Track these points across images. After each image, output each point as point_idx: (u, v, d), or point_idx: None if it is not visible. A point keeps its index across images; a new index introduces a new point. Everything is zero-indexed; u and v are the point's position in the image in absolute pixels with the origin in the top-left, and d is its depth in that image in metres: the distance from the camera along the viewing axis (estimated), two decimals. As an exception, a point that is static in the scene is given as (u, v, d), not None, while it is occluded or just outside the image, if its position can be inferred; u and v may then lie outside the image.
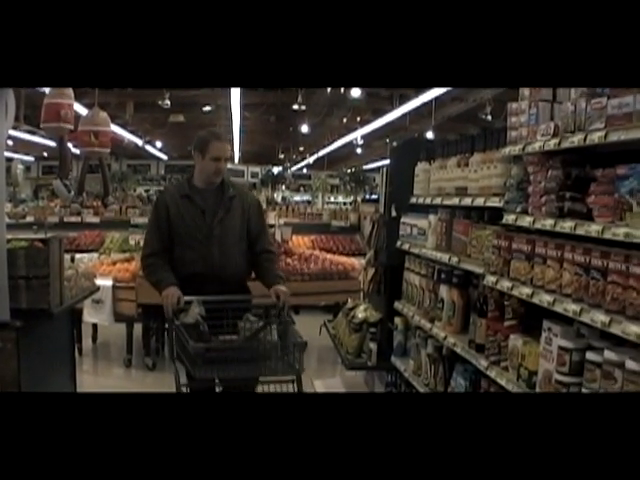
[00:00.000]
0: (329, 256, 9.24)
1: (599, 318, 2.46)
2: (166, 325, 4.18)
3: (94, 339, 8.28)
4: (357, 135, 17.06)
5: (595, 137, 2.52)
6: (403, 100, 11.87)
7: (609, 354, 2.43)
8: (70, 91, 7.28)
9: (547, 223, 2.86)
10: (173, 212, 4.04)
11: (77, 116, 8.21)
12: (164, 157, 27.42)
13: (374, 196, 14.50)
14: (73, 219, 10.99)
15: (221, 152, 4.07)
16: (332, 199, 25.69)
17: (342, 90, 11.49)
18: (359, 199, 14.61)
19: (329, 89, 11.59)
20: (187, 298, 3.77)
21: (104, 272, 7.58)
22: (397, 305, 5.12)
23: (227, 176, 4.26)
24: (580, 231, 2.60)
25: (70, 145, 9.06)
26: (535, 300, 2.95)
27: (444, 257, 4.14)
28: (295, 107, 12.62)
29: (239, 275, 4.15)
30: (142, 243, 4.46)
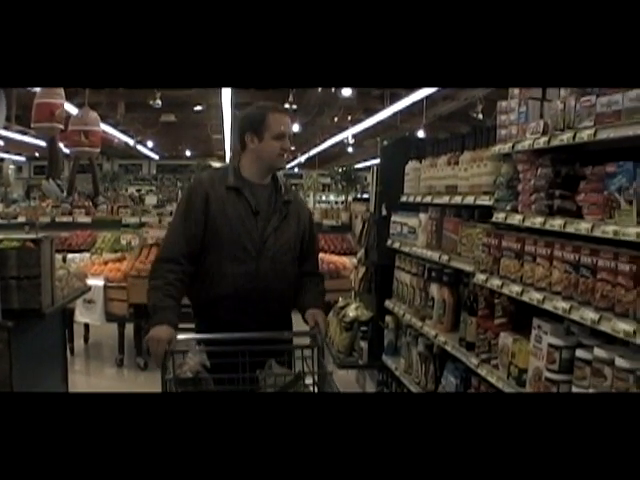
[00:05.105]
0: (320, 255, 9.21)
1: (589, 316, 2.47)
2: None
3: (86, 339, 8.29)
4: (348, 134, 17.08)
5: (584, 135, 2.52)
6: (394, 99, 11.89)
7: (599, 352, 2.44)
8: (61, 90, 7.28)
9: (537, 221, 2.87)
10: (215, 207, 3.09)
11: (67, 116, 8.21)
12: (155, 157, 27.44)
13: (365, 195, 14.48)
14: (65, 219, 10.93)
15: (286, 126, 3.15)
16: (323, 198, 25.67)
17: (333, 89, 11.50)
18: (350, 198, 14.57)
19: (320, 88, 11.60)
20: (182, 337, 2.86)
21: (95, 272, 7.58)
22: (388, 304, 5.12)
23: (280, 175, 3.37)
24: (569, 229, 2.61)
25: (61, 145, 9.06)
26: (525, 298, 2.96)
27: (434, 255, 4.15)
28: (286, 106, 12.64)
29: (289, 302, 3.29)
30: (162, 243, 3.36)
